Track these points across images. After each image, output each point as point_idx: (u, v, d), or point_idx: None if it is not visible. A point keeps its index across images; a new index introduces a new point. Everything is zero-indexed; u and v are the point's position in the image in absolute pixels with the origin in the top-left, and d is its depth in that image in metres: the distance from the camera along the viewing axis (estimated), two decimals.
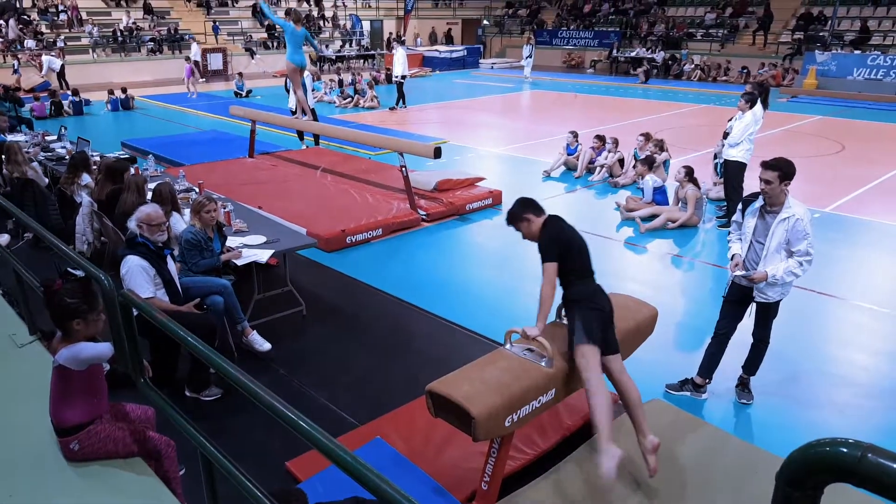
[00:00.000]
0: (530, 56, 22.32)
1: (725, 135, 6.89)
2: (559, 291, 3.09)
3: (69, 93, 15.41)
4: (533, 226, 3.12)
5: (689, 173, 7.10)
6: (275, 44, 24.17)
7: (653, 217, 7.24)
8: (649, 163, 7.98)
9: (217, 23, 23.80)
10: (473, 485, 2.98)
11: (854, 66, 18.33)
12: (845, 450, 0.87)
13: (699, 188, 7.15)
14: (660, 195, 7.51)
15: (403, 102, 15.69)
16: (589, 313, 2.97)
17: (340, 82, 17.95)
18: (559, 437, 3.43)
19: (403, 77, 15.39)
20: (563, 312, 3.21)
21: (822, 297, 5.41)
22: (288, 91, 9.89)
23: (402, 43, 16.20)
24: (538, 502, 2.87)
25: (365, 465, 1.39)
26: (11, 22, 19.62)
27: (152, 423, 2.74)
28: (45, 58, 18.36)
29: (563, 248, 3.01)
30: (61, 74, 18.13)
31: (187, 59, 18.14)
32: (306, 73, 10.87)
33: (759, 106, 6.60)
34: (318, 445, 1.50)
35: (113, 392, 2.62)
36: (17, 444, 2.57)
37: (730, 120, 6.97)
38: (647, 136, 8.97)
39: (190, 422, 2.19)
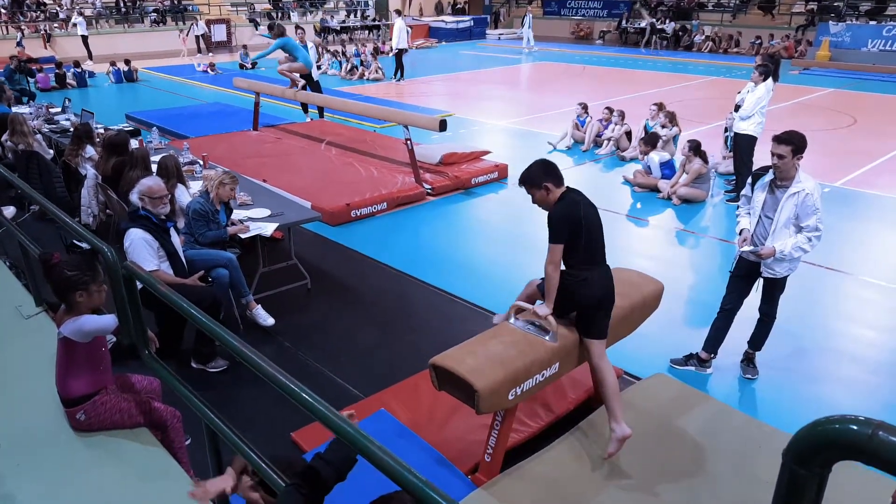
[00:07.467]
0: (528, 26, 21.87)
1: (737, 107, 6.74)
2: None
3: (72, 64, 15.27)
4: (550, 196, 2.87)
5: (695, 147, 6.97)
6: (279, 15, 23.82)
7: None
8: (652, 142, 7.75)
9: None
10: (477, 457, 3.00)
11: (869, 38, 17.86)
12: (855, 427, 0.85)
13: (706, 163, 7.03)
14: (668, 170, 7.40)
15: (402, 75, 15.47)
16: (572, 310, 2.93)
17: (343, 54, 17.69)
18: (563, 411, 3.44)
19: (402, 49, 15.16)
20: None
21: (830, 272, 5.36)
22: None
23: (400, 13, 15.94)
24: (541, 475, 2.90)
25: (366, 437, 1.39)
26: None
27: (158, 394, 2.77)
28: (78, 19, 18.28)
29: (573, 230, 2.81)
30: (85, 43, 17.99)
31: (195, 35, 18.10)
32: (310, 44, 10.74)
33: (769, 78, 6.45)
34: (320, 417, 1.50)
35: (118, 364, 2.64)
36: (24, 414, 2.60)
37: (739, 92, 6.83)
38: (660, 106, 8.79)
39: (194, 392, 2.21)
